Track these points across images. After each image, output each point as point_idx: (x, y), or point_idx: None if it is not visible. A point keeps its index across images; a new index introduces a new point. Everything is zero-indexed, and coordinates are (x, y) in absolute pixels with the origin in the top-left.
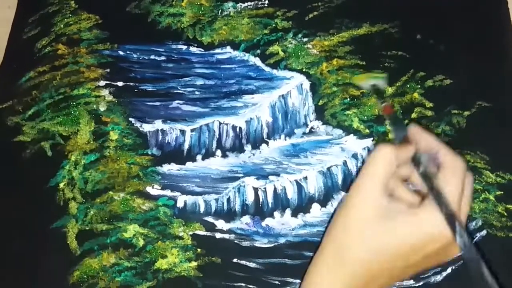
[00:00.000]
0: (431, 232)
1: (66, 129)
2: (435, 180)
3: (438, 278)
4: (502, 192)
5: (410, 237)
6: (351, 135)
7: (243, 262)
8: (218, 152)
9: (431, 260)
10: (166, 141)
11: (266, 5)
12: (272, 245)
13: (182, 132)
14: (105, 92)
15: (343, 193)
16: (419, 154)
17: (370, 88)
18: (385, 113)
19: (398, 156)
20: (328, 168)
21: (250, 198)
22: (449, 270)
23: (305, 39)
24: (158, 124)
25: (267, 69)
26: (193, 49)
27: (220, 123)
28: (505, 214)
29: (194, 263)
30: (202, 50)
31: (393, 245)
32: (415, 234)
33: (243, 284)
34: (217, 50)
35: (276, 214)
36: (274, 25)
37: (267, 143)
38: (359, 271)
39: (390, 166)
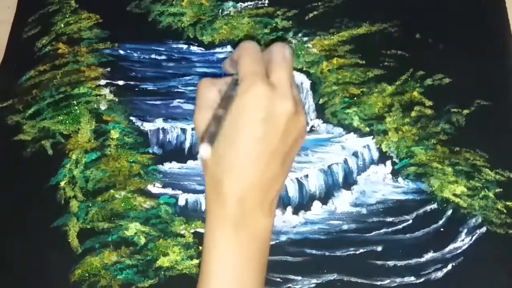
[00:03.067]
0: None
1: (67, 127)
2: None
3: (439, 274)
4: (502, 190)
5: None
6: (352, 133)
7: None
8: None
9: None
10: (167, 140)
11: (266, 4)
12: (274, 242)
13: (183, 130)
14: (105, 91)
15: (343, 191)
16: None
17: None
18: None
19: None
20: (329, 166)
21: None
22: (449, 266)
23: (305, 39)
24: (159, 123)
25: None
26: (194, 48)
27: None
28: (505, 211)
29: (195, 261)
30: (203, 49)
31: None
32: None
33: None
34: (218, 50)
35: (277, 211)
36: (274, 25)
37: None
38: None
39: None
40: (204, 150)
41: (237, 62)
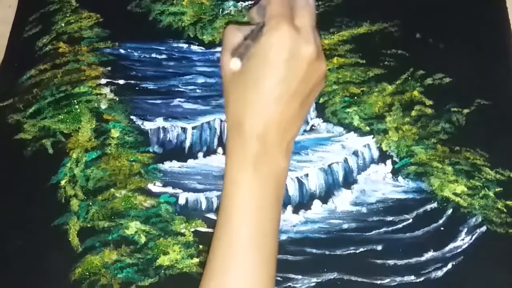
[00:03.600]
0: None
1: (67, 126)
2: None
3: (439, 273)
4: (502, 189)
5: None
6: (352, 132)
7: None
8: (219, 150)
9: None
10: (168, 139)
11: None
12: None
13: (184, 129)
14: (106, 90)
15: (344, 190)
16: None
17: None
18: None
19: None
20: (329, 165)
21: None
22: (449, 266)
23: None
24: (160, 122)
25: None
26: (194, 47)
27: (221, 121)
28: (505, 210)
29: (196, 260)
30: (203, 48)
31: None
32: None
33: None
34: (218, 49)
35: None
36: None
37: None
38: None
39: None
40: (234, 63)
41: (265, 8)
